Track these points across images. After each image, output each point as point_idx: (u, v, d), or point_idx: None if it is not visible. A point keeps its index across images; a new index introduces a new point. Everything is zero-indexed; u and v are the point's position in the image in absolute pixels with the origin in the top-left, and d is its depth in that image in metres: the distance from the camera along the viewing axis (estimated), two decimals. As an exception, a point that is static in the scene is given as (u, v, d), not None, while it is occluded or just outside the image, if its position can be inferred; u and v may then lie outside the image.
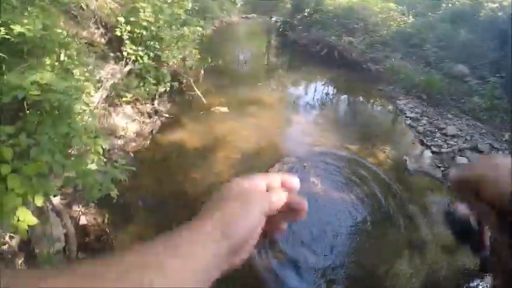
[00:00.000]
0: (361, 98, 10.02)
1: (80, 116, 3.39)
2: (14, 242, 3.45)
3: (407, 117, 8.24)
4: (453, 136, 7.28)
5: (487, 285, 4.03)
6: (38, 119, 3.02)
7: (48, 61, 3.58)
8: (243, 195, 0.53)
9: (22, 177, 2.54)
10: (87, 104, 3.56)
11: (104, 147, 3.44)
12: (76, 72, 4.24)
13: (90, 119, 3.63)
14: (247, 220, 0.51)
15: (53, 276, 0.37)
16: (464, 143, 7.01)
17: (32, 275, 0.38)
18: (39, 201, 2.63)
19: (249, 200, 0.53)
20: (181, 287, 0.40)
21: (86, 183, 2.96)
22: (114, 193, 3.24)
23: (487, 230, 0.72)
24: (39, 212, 3.59)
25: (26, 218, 2.57)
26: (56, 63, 3.76)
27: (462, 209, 0.78)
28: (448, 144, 7.02)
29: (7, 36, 3.31)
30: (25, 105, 3.02)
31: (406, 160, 6.32)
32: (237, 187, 0.55)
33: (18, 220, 2.54)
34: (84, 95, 3.62)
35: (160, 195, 5.09)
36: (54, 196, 3.69)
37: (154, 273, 0.39)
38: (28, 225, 2.58)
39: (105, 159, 3.75)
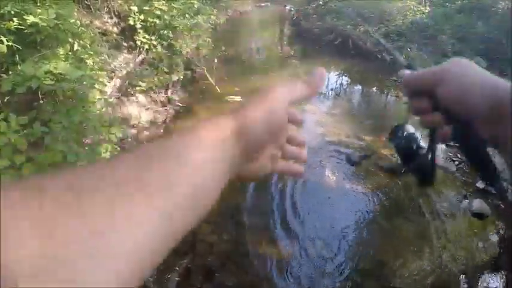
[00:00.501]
0: (375, 89, 9.91)
1: (94, 105, 3.39)
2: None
3: (422, 109, 8.11)
4: (468, 129, 7.15)
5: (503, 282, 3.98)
6: (52, 109, 3.03)
7: (61, 51, 3.58)
8: (262, 91, 0.53)
9: (37, 167, 2.55)
10: (101, 93, 3.55)
11: (118, 136, 3.44)
12: (89, 61, 4.25)
13: (103, 108, 3.63)
14: (266, 110, 0.49)
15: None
16: (479, 137, 6.87)
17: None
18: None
19: (269, 92, 0.52)
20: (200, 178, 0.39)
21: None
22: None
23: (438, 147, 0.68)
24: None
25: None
26: (70, 53, 3.76)
27: (411, 127, 0.74)
28: (463, 137, 6.89)
29: (20, 27, 3.31)
30: (39, 94, 3.02)
31: (420, 152, 6.21)
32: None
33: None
34: (97, 84, 3.61)
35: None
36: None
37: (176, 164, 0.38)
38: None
39: (118, 149, 3.75)
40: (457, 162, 6.12)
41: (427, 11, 13.75)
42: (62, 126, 2.75)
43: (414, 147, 0.71)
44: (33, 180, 0.31)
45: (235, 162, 0.46)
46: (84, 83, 3.14)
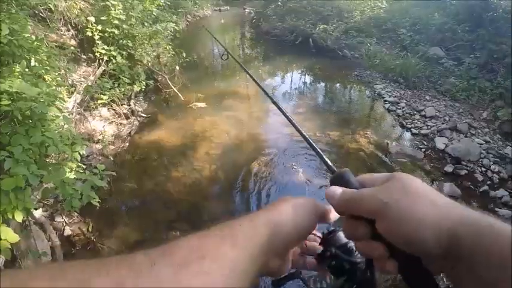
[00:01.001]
0: (338, 85, 10.06)
1: (54, 123, 3.27)
2: (0, 261, 3.33)
3: (385, 101, 8.28)
4: (432, 117, 7.34)
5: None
6: (11, 131, 2.90)
7: (18, 68, 3.44)
8: (296, 199, 0.56)
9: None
10: (60, 110, 3.43)
11: (81, 153, 3.34)
12: (47, 77, 4.11)
13: (65, 125, 3.51)
14: (297, 217, 0.53)
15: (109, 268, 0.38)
16: (443, 123, 7.06)
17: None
18: (19, 218, 2.53)
19: (302, 202, 0.56)
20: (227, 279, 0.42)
21: (66, 194, 2.86)
22: (96, 201, 3.14)
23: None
24: (21, 227, 3.48)
25: (7, 236, 2.46)
26: (26, 70, 3.62)
27: (342, 237, 0.62)
28: (427, 125, 7.09)
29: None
30: (-4, 116, 2.90)
31: (387, 143, 6.35)
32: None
33: (0, 239, 2.44)
34: (57, 100, 3.49)
35: (142, 196, 5.01)
36: (36, 209, 3.57)
37: (210, 262, 0.41)
38: (11, 243, 2.48)
39: (84, 166, 3.65)
40: (423, 149, 6.28)
41: (383, 6, 14.04)
42: (22, 148, 2.63)
43: (348, 266, 0.59)
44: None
45: (265, 258, 0.49)
46: (42, 100, 3.02)
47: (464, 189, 5.29)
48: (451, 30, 10.50)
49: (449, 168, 5.75)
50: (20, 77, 3.30)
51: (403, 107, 7.91)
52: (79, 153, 3.26)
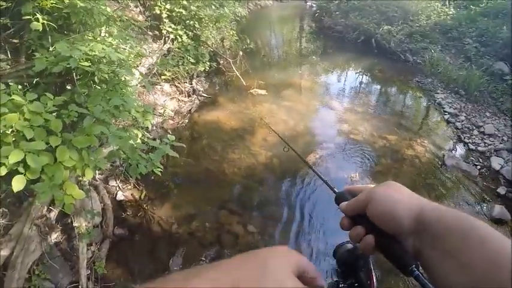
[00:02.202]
0: (398, 89, 9.81)
1: (130, 89, 3.34)
2: (52, 215, 3.45)
3: (445, 111, 8.01)
4: (490, 135, 7.06)
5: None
6: (87, 92, 2.98)
7: (89, 36, 3.51)
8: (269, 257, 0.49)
9: (72, 150, 2.50)
10: (142, 75, 3.50)
11: (152, 122, 3.39)
12: (122, 46, 4.20)
13: (134, 93, 3.58)
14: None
15: None
16: (501, 143, 6.77)
17: None
18: (89, 175, 2.60)
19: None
20: None
21: (133, 159, 2.91)
22: (158, 170, 3.18)
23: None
24: (79, 186, 3.58)
25: (73, 192, 2.53)
26: (99, 38, 3.69)
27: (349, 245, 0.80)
28: (485, 143, 6.82)
29: (57, 6, 3.25)
30: (74, 76, 2.97)
31: (444, 155, 6.17)
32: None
33: (65, 194, 2.50)
34: (133, 69, 3.57)
35: (196, 173, 5.09)
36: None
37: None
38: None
39: (148, 135, 3.72)
40: (479, 167, 6.05)
41: (451, 12, 13.56)
42: (102, 108, 2.69)
43: (354, 261, 0.77)
44: None
45: None
46: (118, 69, 3.07)
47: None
48: (518, 46, 9.98)
49: (502, 190, 5.51)
50: (100, 42, 3.37)
51: (463, 121, 7.62)
52: (150, 122, 3.31)
